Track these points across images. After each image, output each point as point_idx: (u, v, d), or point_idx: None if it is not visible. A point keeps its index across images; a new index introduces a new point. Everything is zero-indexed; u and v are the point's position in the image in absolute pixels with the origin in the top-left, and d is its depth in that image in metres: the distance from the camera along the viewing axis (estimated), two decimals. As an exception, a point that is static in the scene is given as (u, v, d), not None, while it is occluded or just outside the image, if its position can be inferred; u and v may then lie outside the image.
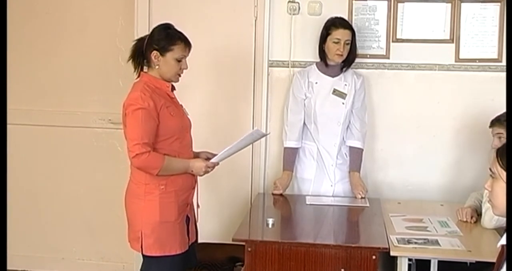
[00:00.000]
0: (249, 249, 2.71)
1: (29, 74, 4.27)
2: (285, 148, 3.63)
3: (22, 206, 4.27)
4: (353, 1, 3.73)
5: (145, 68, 2.88)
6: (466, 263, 2.72)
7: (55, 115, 4.26)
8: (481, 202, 3.09)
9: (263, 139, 3.78)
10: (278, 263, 2.69)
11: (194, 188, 2.90)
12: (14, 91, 3.96)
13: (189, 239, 2.88)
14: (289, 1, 3.78)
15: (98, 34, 4.18)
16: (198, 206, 3.01)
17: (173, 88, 2.90)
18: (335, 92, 3.56)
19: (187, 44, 2.81)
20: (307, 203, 3.41)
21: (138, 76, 2.88)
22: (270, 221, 2.93)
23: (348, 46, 3.51)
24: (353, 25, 3.59)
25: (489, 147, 3.08)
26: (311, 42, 3.69)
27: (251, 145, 3.75)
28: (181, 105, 2.95)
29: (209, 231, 3.66)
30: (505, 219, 1.80)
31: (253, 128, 3.79)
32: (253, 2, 3.82)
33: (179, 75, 2.86)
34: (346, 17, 3.63)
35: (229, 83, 3.92)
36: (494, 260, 1.94)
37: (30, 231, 4.34)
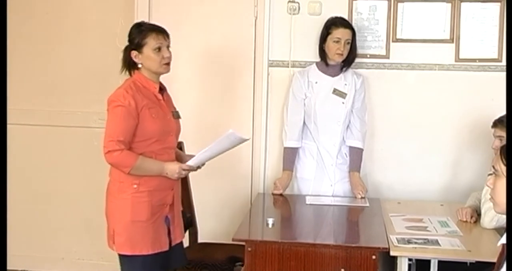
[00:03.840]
0: (249, 249, 2.70)
1: (29, 74, 4.27)
2: (285, 148, 3.62)
3: (22, 206, 4.27)
4: (353, 1, 3.73)
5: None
6: (466, 263, 2.72)
7: (55, 115, 4.26)
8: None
9: (262, 139, 3.79)
10: (278, 263, 2.69)
11: (172, 188, 2.84)
12: (14, 91, 3.96)
13: (171, 240, 2.84)
14: (289, 1, 3.78)
15: (98, 34, 4.18)
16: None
17: (162, 89, 2.88)
18: (335, 92, 3.56)
19: (159, 32, 2.77)
20: (307, 203, 3.41)
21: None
22: (270, 221, 2.92)
23: (349, 46, 3.51)
24: (353, 25, 3.59)
25: (489, 146, 3.08)
26: (311, 42, 3.68)
27: (250, 145, 3.76)
28: (174, 108, 2.92)
29: (209, 231, 3.66)
30: (505, 220, 1.80)
31: (252, 128, 3.80)
32: (253, 2, 3.82)
33: (166, 65, 2.80)
34: (346, 17, 3.63)
35: (229, 83, 3.92)
36: (494, 260, 1.94)
37: (30, 231, 4.34)
